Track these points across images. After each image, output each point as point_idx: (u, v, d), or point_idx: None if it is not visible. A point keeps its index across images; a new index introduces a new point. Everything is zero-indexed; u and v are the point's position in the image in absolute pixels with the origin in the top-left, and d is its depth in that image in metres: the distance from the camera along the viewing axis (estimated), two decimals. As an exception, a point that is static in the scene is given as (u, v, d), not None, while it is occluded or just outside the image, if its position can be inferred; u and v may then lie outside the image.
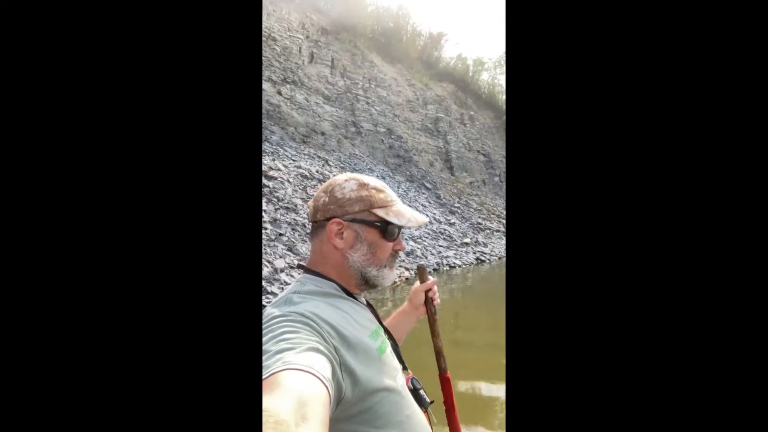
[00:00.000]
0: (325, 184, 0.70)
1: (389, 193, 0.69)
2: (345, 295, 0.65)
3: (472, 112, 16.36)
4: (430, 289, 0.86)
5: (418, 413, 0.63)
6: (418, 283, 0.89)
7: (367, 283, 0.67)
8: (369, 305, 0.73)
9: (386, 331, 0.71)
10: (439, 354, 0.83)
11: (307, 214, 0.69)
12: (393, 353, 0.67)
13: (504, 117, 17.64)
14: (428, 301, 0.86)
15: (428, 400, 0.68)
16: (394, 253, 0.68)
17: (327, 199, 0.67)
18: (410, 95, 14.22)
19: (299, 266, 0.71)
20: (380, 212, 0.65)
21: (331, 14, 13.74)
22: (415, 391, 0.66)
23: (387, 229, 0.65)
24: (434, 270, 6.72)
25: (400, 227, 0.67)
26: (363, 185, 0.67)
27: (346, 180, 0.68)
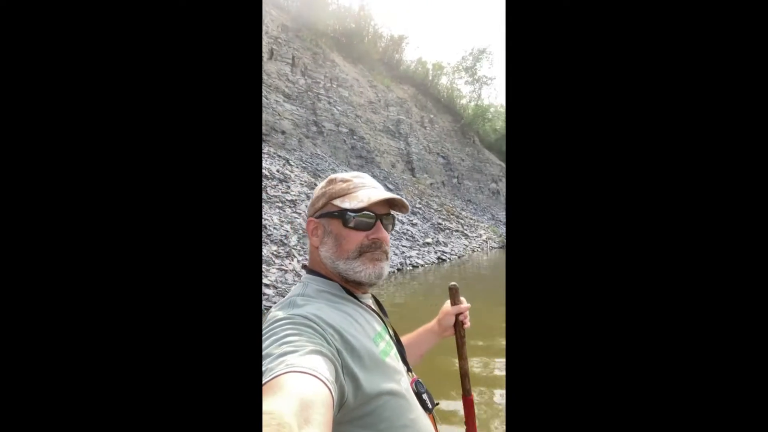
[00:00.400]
0: None
1: (358, 182, 0.67)
2: (347, 296, 0.64)
3: (431, 115, 16.71)
4: (461, 313, 0.83)
5: (423, 417, 0.62)
6: (448, 303, 0.86)
7: (347, 280, 0.65)
8: (378, 304, 0.72)
9: (392, 333, 0.69)
10: (464, 376, 0.82)
11: None
12: (397, 356, 0.65)
13: (462, 121, 18.22)
14: (458, 325, 0.84)
15: (430, 403, 0.66)
16: (371, 244, 0.64)
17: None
18: (372, 96, 14.26)
19: (303, 266, 0.71)
20: (337, 201, 0.65)
21: (291, 10, 13.42)
22: (419, 395, 0.65)
23: (345, 217, 0.63)
24: (398, 270, 6.79)
25: (372, 215, 0.64)
26: (331, 180, 0.68)
27: (323, 180, 0.70)
